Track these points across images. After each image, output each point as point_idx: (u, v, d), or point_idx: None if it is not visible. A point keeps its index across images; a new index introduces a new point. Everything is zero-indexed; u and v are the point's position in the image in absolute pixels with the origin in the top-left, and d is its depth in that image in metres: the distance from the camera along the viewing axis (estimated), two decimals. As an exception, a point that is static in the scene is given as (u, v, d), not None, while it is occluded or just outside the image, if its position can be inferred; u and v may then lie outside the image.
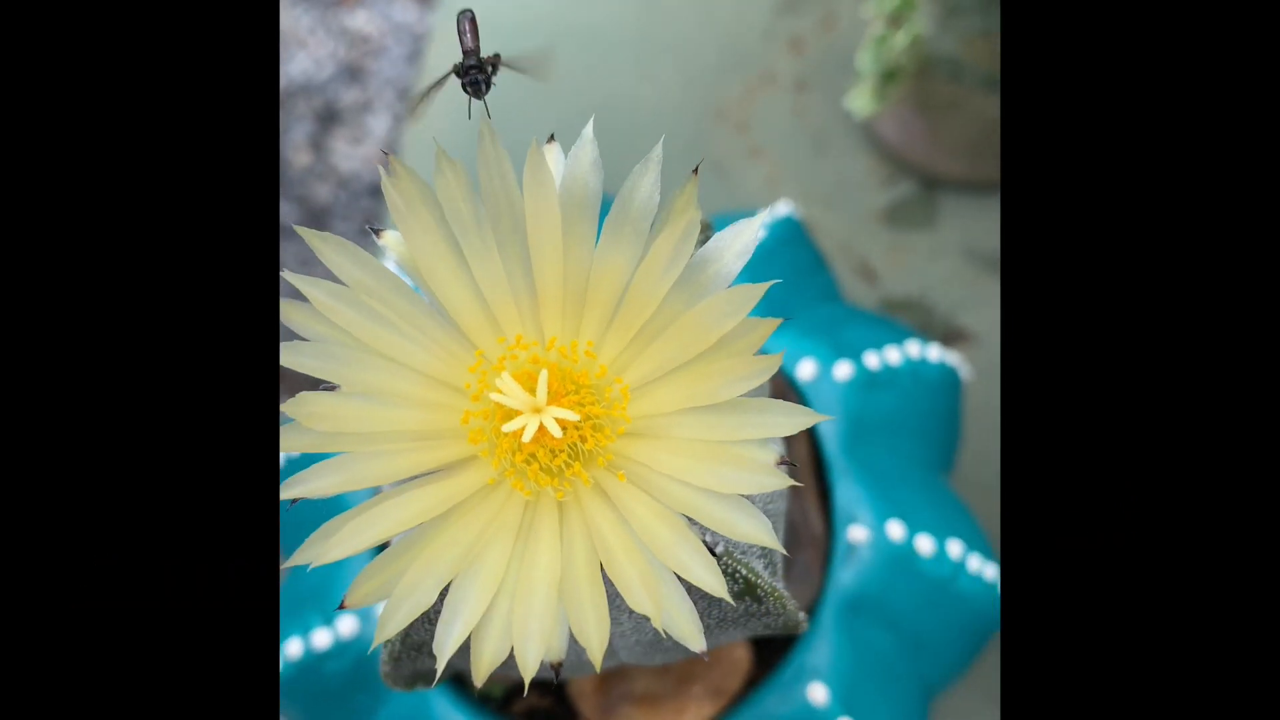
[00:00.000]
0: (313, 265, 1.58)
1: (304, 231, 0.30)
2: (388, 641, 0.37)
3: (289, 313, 0.30)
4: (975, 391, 0.73)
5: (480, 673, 0.29)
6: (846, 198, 0.81)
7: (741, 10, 0.86)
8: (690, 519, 0.30)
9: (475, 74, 0.37)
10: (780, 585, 0.37)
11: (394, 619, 0.29)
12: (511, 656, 0.30)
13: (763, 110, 0.83)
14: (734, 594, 0.36)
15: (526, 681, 0.29)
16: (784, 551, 0.30)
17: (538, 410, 0.30)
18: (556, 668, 0.30)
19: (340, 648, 0.52)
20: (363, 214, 1.57)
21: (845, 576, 0.51)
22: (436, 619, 0.37)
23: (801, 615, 0.38)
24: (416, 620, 0.37)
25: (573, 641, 0.37)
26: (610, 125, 0.86)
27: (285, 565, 0.29)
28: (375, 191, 1.58)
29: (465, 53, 0.37)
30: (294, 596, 0.55)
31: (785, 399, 0.54)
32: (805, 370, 0.53)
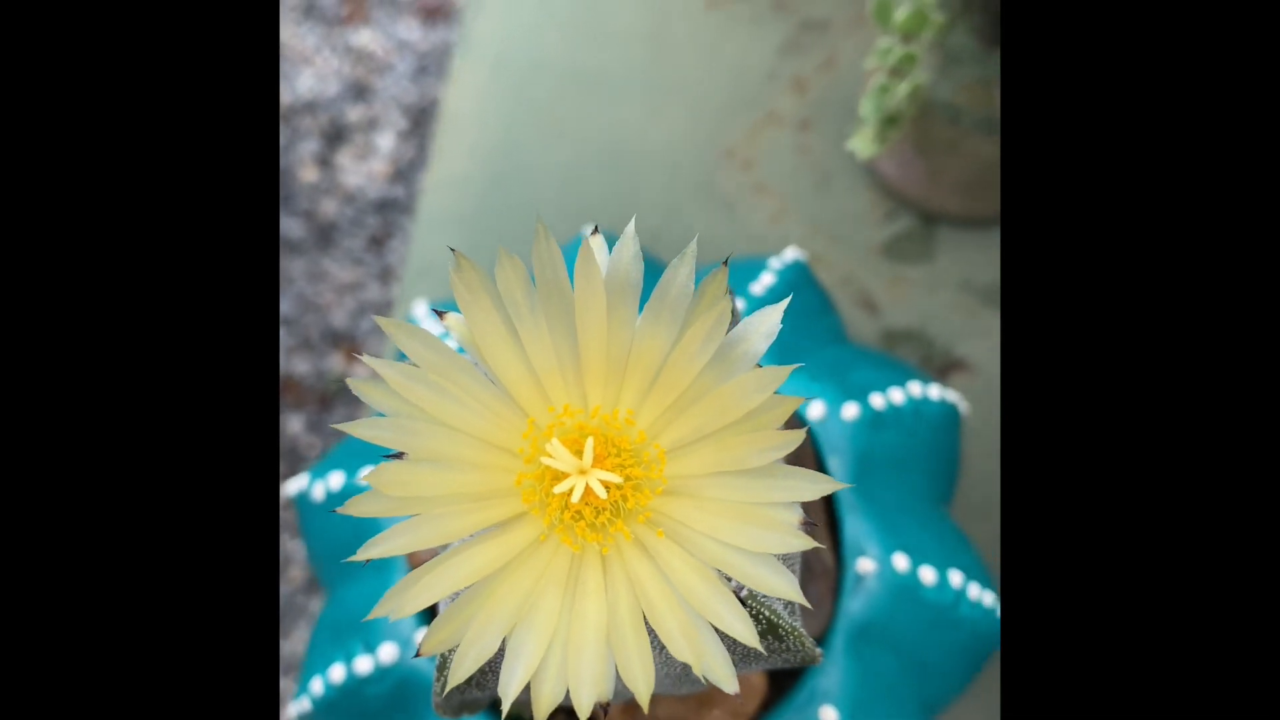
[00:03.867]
0: (319, 280, 1.60)
1: (383, 322, 0.33)
2: (440, 677, 0.40)
3: (366, 391, 0.34)
4: (973, 417, 0.77)
5: (540, 712, 0.33)
6: (848, 232, 0.84)
7: (746, 53, 0.89)
8: (722, 573, 0.34)
9: None
10: (799, 624, 0.40)
11: (463, 666, 0.33)
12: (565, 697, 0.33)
13: (767, 148, 0.87)
14: (758, 633, 0.40)
15: (583, 718, 0.32)
16: (808, 605, 0.33)
17: (584, 472, 0.34)
18: (605, 706, 0.33)
19: (381, 673, 0.55)
20: (368, 230, 1.60)
21: (854, 605, 0.55)
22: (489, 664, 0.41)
23: (818, 650, 0.42)
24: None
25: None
26: (620, 163, 0.90)
27: (369, 617, 0.32)
28: (381, 207, 1.61)
29: None
30: (336, 624, 0.58)
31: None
32: (815, 411, 0.57)
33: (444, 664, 0.41)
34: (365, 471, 0.34)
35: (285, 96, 1.62)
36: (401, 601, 0.33)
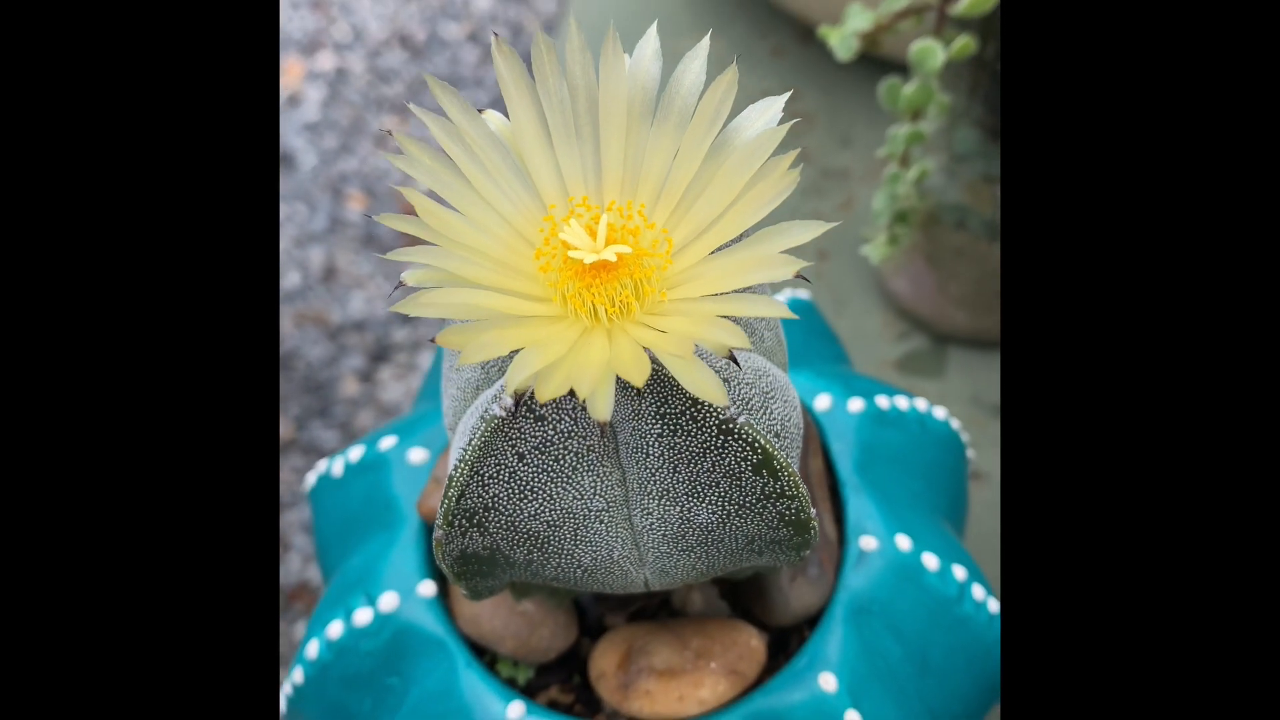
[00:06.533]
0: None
1: (431, 80, 0.38)
2: (444, 500, 0.42)
3: (407, 145, 0.38)
4: (982, 521, 0.78)
5: (543, 397, 0.34)
6: (864, 349, 0.88)
7: (771, 195, 0.97)
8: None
9: None
10: (794, 464, 0.41)
11: (472, 357, 0.34)
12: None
13: (788, 273, 0.92)
14: (752, 466, 0.41)
15: (581, 399, 0.34)
16: (793, 316, 0.35)
17: (597, 252, 0.37)
18: (604, 427, 0.34)
19: (380, 623, 0.55)
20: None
21: (856, 580, 0.55)
22: (490, 483, 0.42)
23: (812, 510, 0.43)
24: (471, 485, 0.42)
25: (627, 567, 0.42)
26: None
27: (392, 308, 0.34)
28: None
29: None
30: (339, 587, 0.58)
31: (804, 425, 0.59)
32: (821, 403, 0.59)
33: (448, 485, 0.42)
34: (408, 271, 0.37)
35: (336, 316, 1.72)
36: (415, 305, 0.35)
